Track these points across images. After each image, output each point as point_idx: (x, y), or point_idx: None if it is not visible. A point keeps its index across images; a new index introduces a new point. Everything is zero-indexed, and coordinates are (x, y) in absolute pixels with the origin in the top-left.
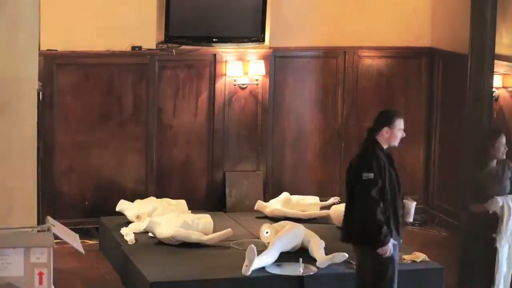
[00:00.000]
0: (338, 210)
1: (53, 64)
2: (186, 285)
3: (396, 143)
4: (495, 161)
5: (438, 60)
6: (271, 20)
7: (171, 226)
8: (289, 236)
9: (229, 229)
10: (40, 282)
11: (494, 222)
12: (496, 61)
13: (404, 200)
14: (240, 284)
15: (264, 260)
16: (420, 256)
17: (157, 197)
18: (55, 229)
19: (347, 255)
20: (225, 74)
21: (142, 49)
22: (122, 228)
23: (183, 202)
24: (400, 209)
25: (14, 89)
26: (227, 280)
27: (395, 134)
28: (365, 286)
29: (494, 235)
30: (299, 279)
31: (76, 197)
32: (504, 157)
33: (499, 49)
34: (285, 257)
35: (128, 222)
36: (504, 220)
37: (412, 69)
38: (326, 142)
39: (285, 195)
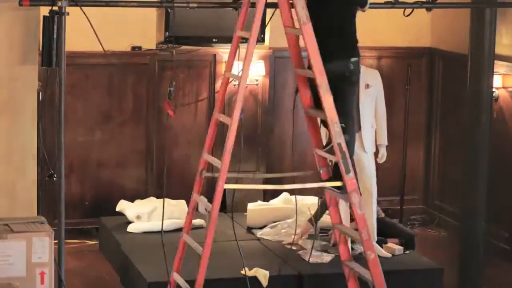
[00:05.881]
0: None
1: None
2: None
3: None
4: None
5: (438, 60)
6: (271, 21)
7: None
8: None
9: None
10: (42, 282)
11: None
12: (496, 61)
13: None
14: (240, 284)
15: None
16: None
17: (157, 197)
18: None
19: None
20: None
21: (142, 49)
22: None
23: (183, 202)
24: None
25: (14, 89)
26: (227, 280)
27: None
28: None
29: None
30: (299, 278)
31: (76, 197)
32: None
33: (499, 49)
34: None
35: (128, 222)
36: None
37: (412, 69)
38: None
39: (285, 195)
